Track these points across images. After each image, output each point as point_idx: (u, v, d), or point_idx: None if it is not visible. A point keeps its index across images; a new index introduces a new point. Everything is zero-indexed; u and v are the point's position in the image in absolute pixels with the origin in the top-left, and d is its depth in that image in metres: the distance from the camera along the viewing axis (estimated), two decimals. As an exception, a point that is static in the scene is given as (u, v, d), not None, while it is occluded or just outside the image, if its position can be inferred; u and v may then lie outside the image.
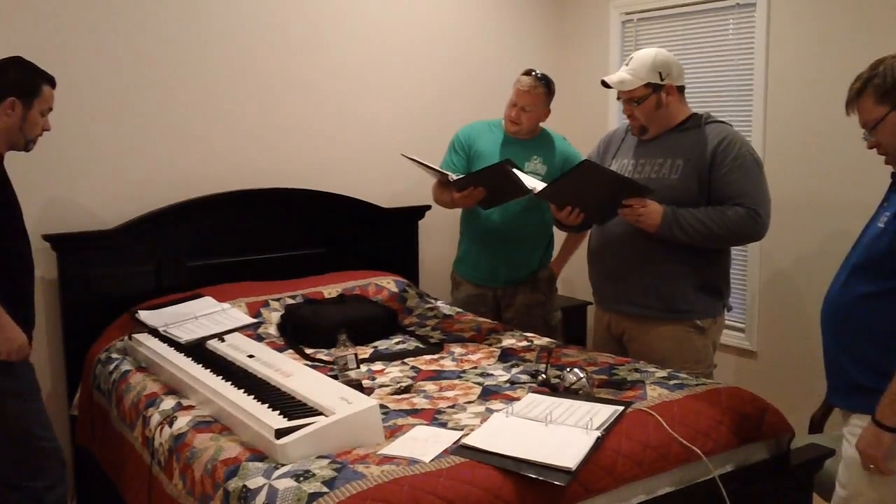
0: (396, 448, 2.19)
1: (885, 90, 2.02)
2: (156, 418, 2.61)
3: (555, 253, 3.85)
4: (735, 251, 3.99)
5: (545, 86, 3.52)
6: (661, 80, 2.89)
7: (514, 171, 3.00)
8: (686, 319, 2.95)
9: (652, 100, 2.91)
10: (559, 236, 3.78)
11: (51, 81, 2.77)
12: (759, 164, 2.89)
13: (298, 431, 2.16)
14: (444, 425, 2.38)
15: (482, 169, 3.33)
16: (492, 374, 2.89)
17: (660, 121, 2.96)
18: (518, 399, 2.56)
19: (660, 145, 2.97)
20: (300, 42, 4.04)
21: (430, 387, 2.78)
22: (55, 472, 2.78)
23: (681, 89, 2.98)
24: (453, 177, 3.27)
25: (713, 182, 2.84)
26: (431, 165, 3.35)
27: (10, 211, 2.67)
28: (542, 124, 3.71)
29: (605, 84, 2.96)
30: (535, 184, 2.93)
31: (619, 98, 3.01)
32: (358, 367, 2.80)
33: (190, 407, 2.62)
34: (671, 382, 2.68)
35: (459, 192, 3.27)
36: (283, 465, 2.10)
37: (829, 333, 2.18)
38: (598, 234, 3.09)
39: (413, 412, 2.52)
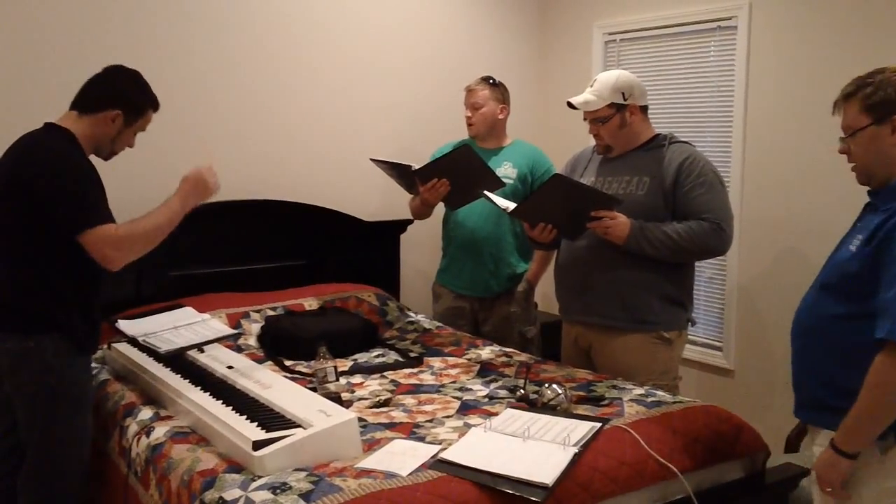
0: (374, 461, 2.20)
1: (873, 103, 2.02)
2: (133, 428, 2.60)
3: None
4: (713, 270, 4.04)
5: (490, 83, 3.75)
6: (624, 100, 3.00)
7: (487, 194, 3.06)
8: (652, 331, 3.00)
9: (616, 119, 3.01)
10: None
11: (156, 106, 2.75)
12: (721, 181, 3.00)
13: (276, 443, 2.16)
14: (422, 439, 2.39)
15: (443, 155, 3.44)
16: (470, 389, 2.90)
17: (624, 139, 3.06)
18: (496, 414, 2.57)
19: (625, 163, 3.07)
20: (284, 54, 4.05)
21: (408, 400, 2.78)
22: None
23: (644, 109, 3.08)
24: (415, 166, 3.34)
25: (678, 198, 2.93)
26: (396, 161, 3.44)
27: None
28: (516, 137, 3.85)
29: (570, 105, 3.07)
30: (507, 204, 2.98)
31: (585, 119, 3.11)
32: (337, 380, 2.80)
33: (168, 417, 2.61)
34: (648, 400, 2.69)
35: (424, 185, 3.33)
36: (260, 477, 2.10)
37: (796, 350, 2.19)
38: (566, 247, 3.16)
39: (391, 426, 2.52)
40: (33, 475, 2.57)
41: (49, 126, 2.61)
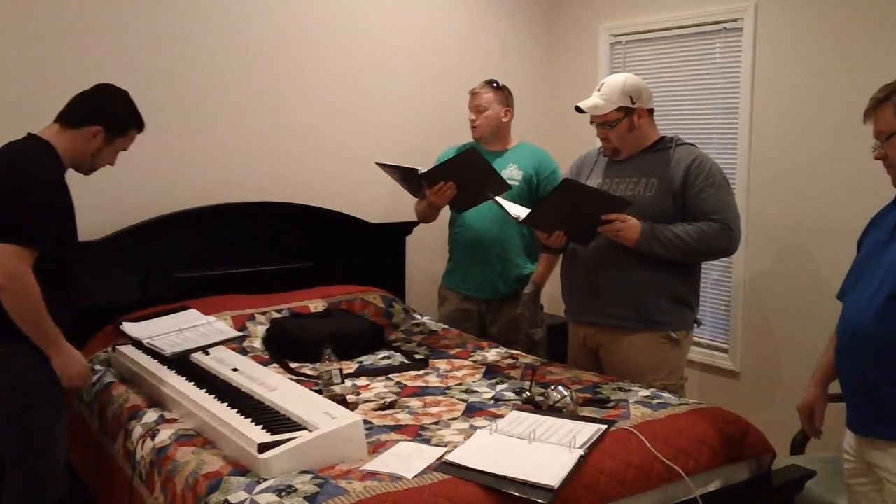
0: (379, 464, 2.19)
1: None
2: (138, 431, 2.60)
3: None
4: (719, 271, 4.03)
5: (494, 86, 3.75)
6: (633, 103, 3.01)
7: (499, 200, 3.06)
8: (661, 330, 3.01)
9: (625, 123, 3.03)
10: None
11: (140, 127, 2.75)
12: (727, 182, 3.02)
13: (281, 446, 2.16)
14: (427, 441, 2.38)
15: (450, 158, 3.47)
16: (476, 391, 2.89)
17: (632, 142, 3.07)
18: (502, 416, 2.56)
19: (632, 165, 3.08)
20: (291, 58, 4.06)
21: (414, 403, 2.78)
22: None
23: (651, 112, 3.09)
24: (421, 169, 3.35)
25: (687, 200, 2.95)
26: (402, 165, 3.45)
27: (68, 222, 2.61)
28: (522, 139, 3.84)
29: (578, 109, 3.07)
30: (518, 212, 2.98)
31: (592, 122, 3.11)
32: (342, 382, 2.80)
33: (173, 420, 2.61)
34: (654, 402, 2.69)
35: (430, 188, 3.34)
36: (265, 479, 2.09)
37: (868, 365, 2.10)
38: (573, 249, 3.15)
39: (397, 428, 2.52)
40: (14, 487, 2.56)
41: (32, 137, 2.61)
